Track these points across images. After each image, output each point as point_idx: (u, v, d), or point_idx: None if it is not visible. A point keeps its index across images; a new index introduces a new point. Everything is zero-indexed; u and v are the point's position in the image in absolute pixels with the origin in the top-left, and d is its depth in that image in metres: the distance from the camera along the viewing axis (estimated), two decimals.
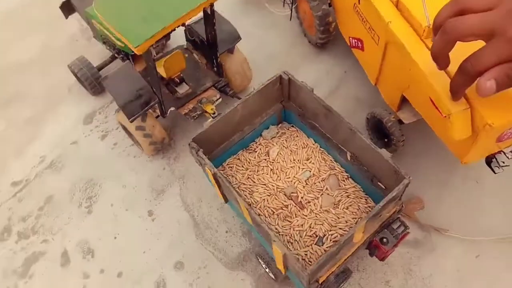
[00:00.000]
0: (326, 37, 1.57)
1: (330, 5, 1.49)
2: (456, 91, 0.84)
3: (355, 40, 1.41)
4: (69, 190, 1.47)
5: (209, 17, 1.27)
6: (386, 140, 1.35)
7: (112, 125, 1.58)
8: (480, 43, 0.76)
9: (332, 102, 1.53)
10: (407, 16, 1.09)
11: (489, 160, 1.14)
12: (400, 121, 1.28)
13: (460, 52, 0.78)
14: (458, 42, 0.79)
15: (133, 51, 1.17)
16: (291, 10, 1.67)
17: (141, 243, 1.33)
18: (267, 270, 1.19)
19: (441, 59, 0.81)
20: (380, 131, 1.36)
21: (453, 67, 0.91)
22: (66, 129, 1.61)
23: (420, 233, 1.26)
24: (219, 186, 1.06)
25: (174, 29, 1.60)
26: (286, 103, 1.23)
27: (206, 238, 1.31)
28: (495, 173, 1.13)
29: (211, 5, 1.22)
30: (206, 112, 1.40)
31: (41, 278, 1.31)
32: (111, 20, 1.12)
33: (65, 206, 1.44)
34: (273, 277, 1.17)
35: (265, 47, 1.73)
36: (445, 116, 1.00)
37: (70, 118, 1.64)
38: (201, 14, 1.27)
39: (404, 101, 1.25)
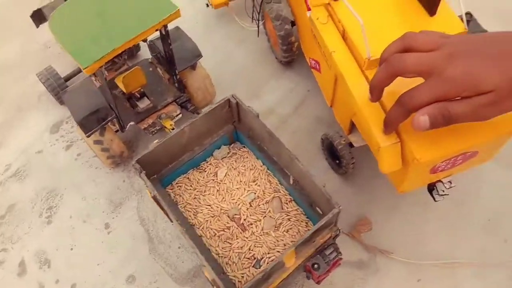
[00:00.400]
0: (289, 55, 1.59)
1: (293, 25, 1.51)
2: (390, 123, 0.87)
3: (314, 61, 1.43)
4: (31, 199, 1.50)
5: (164, 37, 1.29)
6: (337, 161, 1.37)
7: (78, 136, 1.61)
8: (419, 80, 0.78)
9: (294, 121, 1.58)
10: (351, 46, 1.11)
11: (430, 188, 1.17)
12: (351, 144, 1.31)
13: (397, 89, 0.81)
14: (398, 78, 0.82)
15: None
16: (258, 27, 1.69)
17: (96, 255, 1.36)
18: (213, 286, 1.22)
19: (377, 90, 0.85)
20: (333, 153, 1.38)
21: (389, 103, 0.94)
22: (32, 138, 1.64)
23: (366, 254, 1.29)
24: (161, 208, 1.09)
25: (132, 48, 1.64)
26: (237, 124, 1.25)
27: (159, 253, 1.34)
28: (435, 200, 1.15)
29: (165, 26, 1.24)
30: (165, 127, 1.43)
31: None
32: (63, 39, 1.14)
33: (26, 216, 1.47)
34: None
35: (233, 61, 1.76)
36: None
37: (38, 126, 1.67)
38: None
39: (354, 125, 1.28)
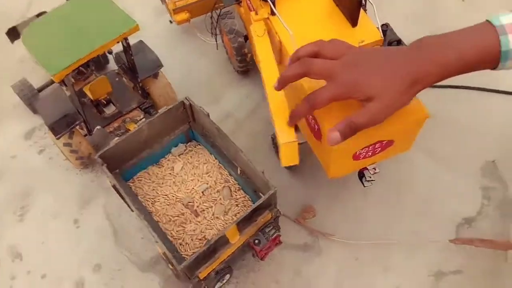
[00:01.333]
0: (244, 65, 1.77)
1: (246, 39, 1.69)
2: (295, 116, 1.04)
3: None
4: (5, 200, 1.61)
5: (126, 49, 1.45)
6: None
7: (49, 141, 1.74)
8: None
9: (250, 124, 1.74)
10: (286, 55, 1.28)
11: (361, 175, 1.34)
12: None
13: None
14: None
15: None
16: (216, 40, 1.86)
17: (65, 248, 1.48)
18: (172, 270, 1.35)
19: (284, 83, 1.01)
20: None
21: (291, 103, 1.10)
22: (7, 143, 1.76)
23: (310, 239, 1.44)
24: (121, 197, 1.23)
25: (101, 60, 1.79)
26: (193, 124, 1.41)
27: (123, 244, 1.47)
28: (364, 186, 1.32)
29: (126, 39, 1.40)
30: (128, 130, 1.57)
31: None
32: (34, 51, 1.29)
33: (0, 214, 1.58)
34: (175, 276, 1.33)
35: (195, 72, 1.92)
36: (319, 140, 1.19)
37: (12, 133, 1.79)
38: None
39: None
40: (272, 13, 1.33)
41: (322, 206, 1.50)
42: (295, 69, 0.97)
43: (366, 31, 1.29)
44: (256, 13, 1.35)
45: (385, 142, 1.18)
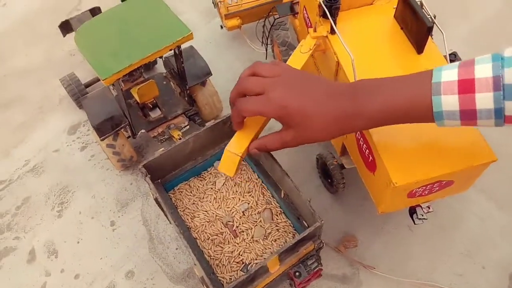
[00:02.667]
0: None
1: None
2: (233, 121, 1.02)
3: None
4: (45, 194, 1.62)
5: (177, 56, 1.42)
6: (329, 180, 1.47)
7: (93, 138, 1.74)
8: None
9: None
10: (343, 77, 1.22)
11: (412, 211, 1.26)
12: (342, 166, 1.41)
13: None
14: None
15: None
16: (266, 50, 1.81)
17: (100, 250, 1.48)
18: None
19: (236, 124, 1.02)
20: (326, 172, 1.48)
21: None
22: (51, 137, 1.78)
23: (349, 270, 1.38)
24: (162, 210, 1.20)
25: (150, 62, 1.77)
26: None
27: (157, 252, 1.45)
28: (415, 223, 1.24)
29: (178, 47, 1.36)
30: (173, 137, 1.55)
31: (8, 272, 1.47)
32: (86, 52, 1.28)
33: (39, 208, 1.59)
34: None
35: None
36: (372, 172, 1.13)
37: (57, 127, 1.80)
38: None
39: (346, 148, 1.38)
40: (332, 32, 1.26)
41: (364, 236, 1.43)
42: (235, 111, 0.97)
43: (433, 59, 1.20)
44: (315, 30, 1.29)
45: (444, 182, 1.10)
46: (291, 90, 0.87)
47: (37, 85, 1.95)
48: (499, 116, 0.79)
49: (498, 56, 0.79)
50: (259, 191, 1.31)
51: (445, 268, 1.37)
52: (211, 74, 1.58)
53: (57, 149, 1.74)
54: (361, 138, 1.17)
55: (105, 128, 1.43)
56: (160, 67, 1.93)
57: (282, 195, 1.25)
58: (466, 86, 0.79)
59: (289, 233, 1.24)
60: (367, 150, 1.15)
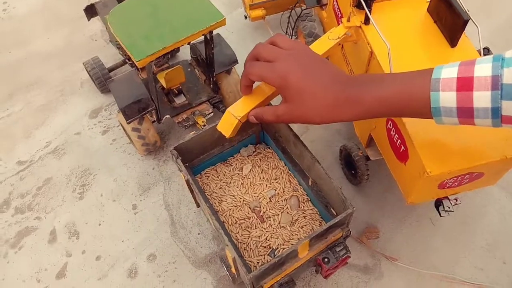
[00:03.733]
0: None
1: None
2: (241, 84, 1.04)
3: None
4: (66, 175, 1.63)
5: (208, 42, 1.42)
6: (353, 172, 1.48)
7: (114, 123, 1.75)
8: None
9: (314, 131, 1.69)
10: (376, 66, 1.22)
11: (438, 204, 1.27)
12: (367, 157, 1.41)
13: None
14: None
15: None
16: None
17: (121, 232, 1.48)
18: (227, 272, 1.33)
19: (243, 87, 1.04)
20: (350, 164, 1.49)
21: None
22: (72, 120, 1.78)
23: (371, 260, 1.39)
24: (191, 192, 1.20)
25: (175, 49, 1.78)
26: (265, 126, 1.37)
27: (179, 237, 1.46)
28: (440, 216, 1.24)
29: (210, 32, 1.37)
30: (197, 123, 1.55)
31: (30, 251, 1.47)
32: (120, 33, 1.28)
33: (60, 190, 1.60)
34: (231, 279, 1.31)
35: None
36: (403, 162, 1.14)
37: (78, 110, 1.81)
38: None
39: (373, 139, 1.39)
40: (366, 22, 1.27)
41: (386, 228, 1.44)
42: (250, 54, 1.00)
43: (466, 53, 1.21)
44: (348, 20, 1.30)
45: (475, 174, 1.11)
46: (298, 65, 0.90)
47: (58, 68, 1.96)
48: (496, 115, 0.79)
49: (499, 56, 0.79)
50: (285, 178, 1.31)
51: (466, 262, 1.38)
52: (238, 62, 1.58)
53: (79, 132, 1.74)
54: (393, 128, 1.18)
55: (132, 111, 1.44)
56: (182, 55, 1.93)
57: (310, 183, 1.26)
58: (465, 84, 0.80)
59: (316, 220, 1.25)
60: (399, 140, 1.16)
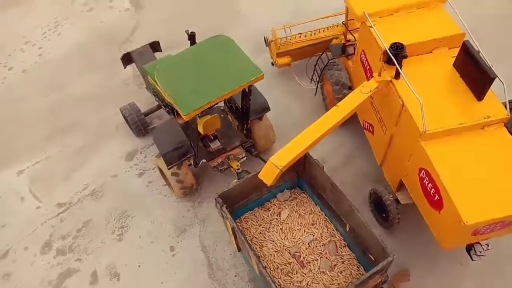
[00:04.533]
0: None
1: (350, 88, 1.73)
2: None
3: (368, 124, 1.63)
4: (105, 217, 1.70)
5: (246, 94, 1.52)
6: (384, 215, 1.54)
7: (150, 165, 1.82)
8: None
9: (342, 173, 1.75)
10: (407, 118, 1.30)
11: (469, 248, 1.33)
12: (397, 201, 1.48)
13: None
14: None
15: None
16: (317, 87, 1.91)
17: (160, 274, 1.53)
18: None
19: None
20: (380, 207, 1.55)
21: None
22: (109, 162, 1.86)
23: None
24: (235, 238, 1.27)
25: (217, 103, 1.88)
26: (301, 173, 1.45)
27: (217, 279, 1.51)
28: (472, 260, 1.30)
29: (249, 86, 1.46)
30: (231, 167, 1.63)
31: None
32: (168, 88, 1.37)
33: (100, 231, 1.66)
34: None
35: (290, 114, 1.97)
36: (437, 210, 1.21)
37: (114, 153, 1.89)
38: None
39: (403, 183, 1.46)
40: (396, 77, 1.36)
41: (417, 271, 1.49)
42: None
43: (492, 107, 1.29)
44: (379, 75, 1.39)
45: (508, 221, 1.17)
46: None
47: (94, 112, 2.05)
48: None
49: None
50: (322, 224, 1.38)
51: None
52: (269, 109, 1.67)
53: (115, 174, 1.82)
54: (427, 177, 1.25)
55: (173, 157, 1.52)
56: None
57: (348, 229, 1.32)
58: None
59: (354, 265, 1.30)
60: (433, 189, 1.23)
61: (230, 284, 1.49)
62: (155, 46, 1.96)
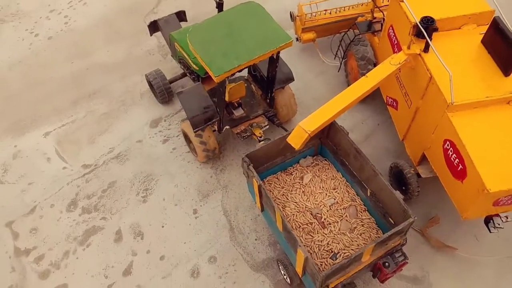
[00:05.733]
0: None
1: (375, 65, 1.75)
2: None
3: (391, 100, 1.66)
4: (130, 179, 1.74)
5: (274, 61, 1.56)
6: (403, 188, 1.57)
7: (174, 132, 1.87)
8: None
9: (363, 148, 1.76)
10: (435, 90, 1.33)
11: (487, 220, 1.36)
12: (418, 175, 1.51)
13: None
14: None
15: (204, 74, 1.55)
16: (341, 63, 1.94)
17: (183, 235, 1.58)
18: (284, 275, 1.43)
19: None
20: (400, 180, 1.58)
21: None
22: (134, 128, 1.90)
23: (420, 272, 1.47)
24: (261, 197, 1.32)
25: (247, 67, 1.92)
26: (324, 140, 1.50)
27: (238, 241, 1.56)
28: (490, 232, 1.34)
29: (278, 52, 1.50)
30: (254, 134, 1.69)
31: (97, 248, 1.58)
32: (200, 50, 1.41)
33: (124, 193, 1.71)
34: (288, 281, 1.40)
35: (312, 90, 2.00)
36: (460, 180, 1.24)
37: (139, 119, 1.93)
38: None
39: (424, 158, 1.49)
40: (425, 50, 1.39)
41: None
42: None
43: None
44: (408, 48, 1.41)
45: None
46: None
47: (119, 80, 2.09)
48: None
49: None
50: (344, 189, 1.42)
51: None
52: (294, 80, 1.71)
53: (140, 139, 1.86)
54: (451, 148, 1.28)
55: (199, 121, 1.57)
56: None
57: (368, 194, 1.36)
58: None
59: (373, 228, 1.35)
60: (457, 160, 1.26)
61: (250, 246, 1.54)
62: (181, 16, 2.00)
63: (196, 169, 1.75)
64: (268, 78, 1.66)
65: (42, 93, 2.04)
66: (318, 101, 1.95)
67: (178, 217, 1.63)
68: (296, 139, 1.25)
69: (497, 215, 1.32)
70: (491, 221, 1.34)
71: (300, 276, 1.25)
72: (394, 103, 1.63)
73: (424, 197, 1.61)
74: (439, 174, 1.38)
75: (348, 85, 1.95)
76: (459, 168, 1.26)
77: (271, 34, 1.46)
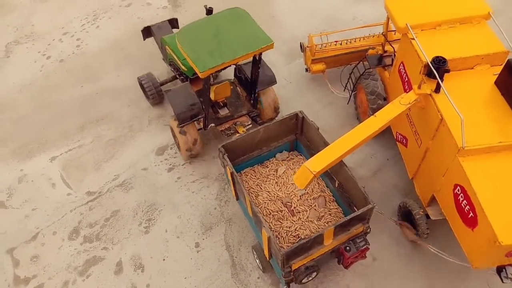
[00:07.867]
0: None
1: (385, 99, 1.72)
2: None
3: (401, 136, 1.62)
4: (133, 209, 1.73)
5: (256, 62, 1.63)
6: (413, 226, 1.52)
7: (179, 161, 1.85)
8: None
9: (371, 184, 1.75)
10: (445, 133, 1.30)
11: (499, 269, 1.30)
12: (427, 216, 1.46)
13: None
14: None
15: (192, 75, 1.66)
16: (350, 96, 1.91)
17: (184, 269, 1.55)
18: (258, 263, 1.45)
19: None
20: (408, 220, 1.53)
21: None
22: (140, 156, 1.89)
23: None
24: (234, 184, 1.36)
25: (230, 65, 1.95)
26: (299, 136, 1.55)
27: (239, 279, 1.52)
28: (503, 282, 1.28)
29: (260, 54, 1.57)
30: (238, 132, 1.74)
31: (96, 280, 1.55)
32: (187, 48, 1.49)
33: (127, 222, 1.69)
34: (261, 268, 1.44)
35: (319, 120, 1.94)
36: (470, 228, 1.20)
37: (146, 146, 1.92)
38: (250, 59, 1.62)
39: (434, 199, 1.44)
40: (436, 91, 1.35)
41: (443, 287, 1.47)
42: None
43: None
44: (419, 87, 1.38)
45: None
46: None
47: (127, 105, 2.08)
48: None
49: None
50: (314, 181, 1.44)
51: None
52: (276, 82, 1.78)
53: (146, 167, 1.85)
54: (462, 194, 1.24)
55: (185, 117, 1.63)
56: (223, 75, 2.05)
57: (336, 185, 1.40)
58: None
59: (340, 218, 1.37)
60: (468, 207, 1.22)
61: (252, 285, 1.50)
62: (173, 23, 2.11)
63: (201, 200, 1.73)
64: (252, 79, 1.76)
65: (50, 116, 2.05)
66: (327, 133, 1.91)
67: (180, 250, 1.60)
68: (301, 179, 1.24)
69: (510, 264, 1.26)
70: (504, 270, 1.28)
71: (268, 258, 1.31)
72: (404, 140, 1.60)
73: (434, 238, 1.55)
74: (449, 218, 1.34)
75: (358, 118, 1.93)
76: (469, 216, 1.21)
77: (253, 36, 1.57)
